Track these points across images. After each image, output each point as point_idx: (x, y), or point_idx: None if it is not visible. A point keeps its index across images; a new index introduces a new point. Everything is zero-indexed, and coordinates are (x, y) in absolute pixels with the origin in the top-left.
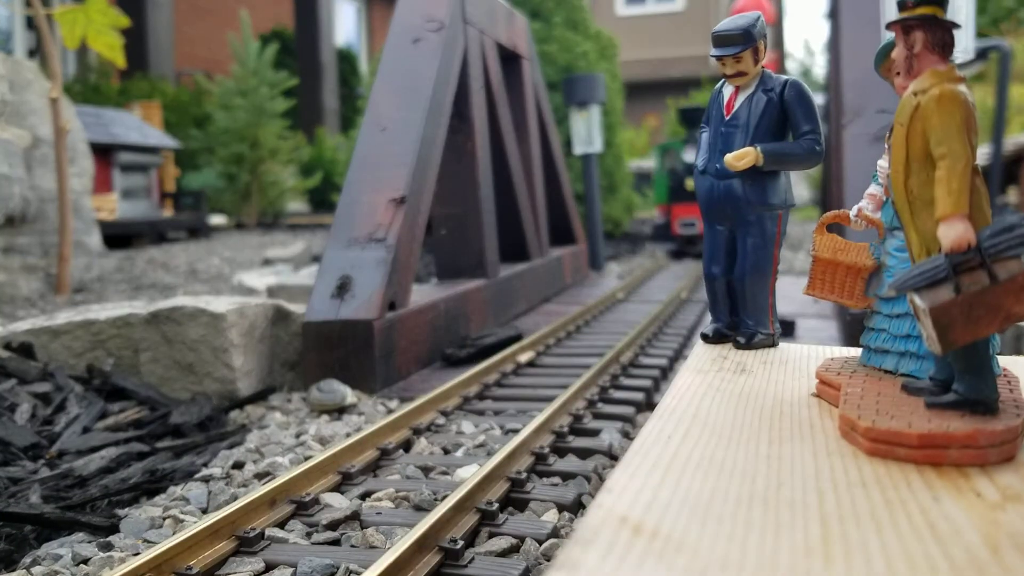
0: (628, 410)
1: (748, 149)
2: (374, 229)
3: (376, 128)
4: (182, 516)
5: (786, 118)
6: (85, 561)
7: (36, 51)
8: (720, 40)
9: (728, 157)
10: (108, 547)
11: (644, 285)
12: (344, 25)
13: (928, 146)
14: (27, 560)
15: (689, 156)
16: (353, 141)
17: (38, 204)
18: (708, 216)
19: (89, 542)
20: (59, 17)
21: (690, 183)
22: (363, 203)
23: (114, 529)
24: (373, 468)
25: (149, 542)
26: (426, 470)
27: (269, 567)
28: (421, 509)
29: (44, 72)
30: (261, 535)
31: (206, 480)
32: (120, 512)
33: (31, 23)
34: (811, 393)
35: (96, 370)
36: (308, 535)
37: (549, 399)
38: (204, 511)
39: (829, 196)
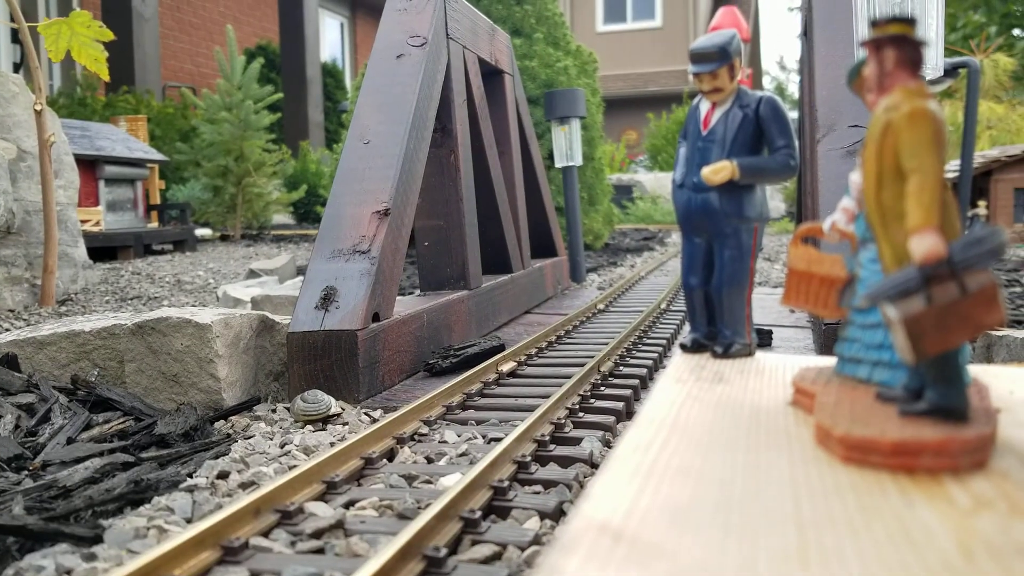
0: (608, 419)
1: (724, 163)
2: (358, 241)
3: (360, 141)
4: (167, 526)
5: (761, 133)
6: (68, 572)
7: (21, 64)
8: (697, 57)
9: (705, 171)
10: (92, 558)
11: (624, 296)
12: (329, 40)
13: (899, 160)
14: (9, 572)
15: None
16: (338, 154)
17: (23, 216)
18: (686, 228)
19: (73, 553)
20: (43, 30)
21: None
22: (347, 215)
23: (98, 540)
24: (357, 477)
25: (133, 552)
26: (409, 479)
27: None
28: (405, 517)
29: (29, 85)
30: (246, 544)
31: (191, 490)
32: (104, 523)
33: (16, 36)
34: (787, 402)
35: (81, 381)
36: (292, 544)
37: (531, 408)
38: (189, 521)
39: (803, 209)
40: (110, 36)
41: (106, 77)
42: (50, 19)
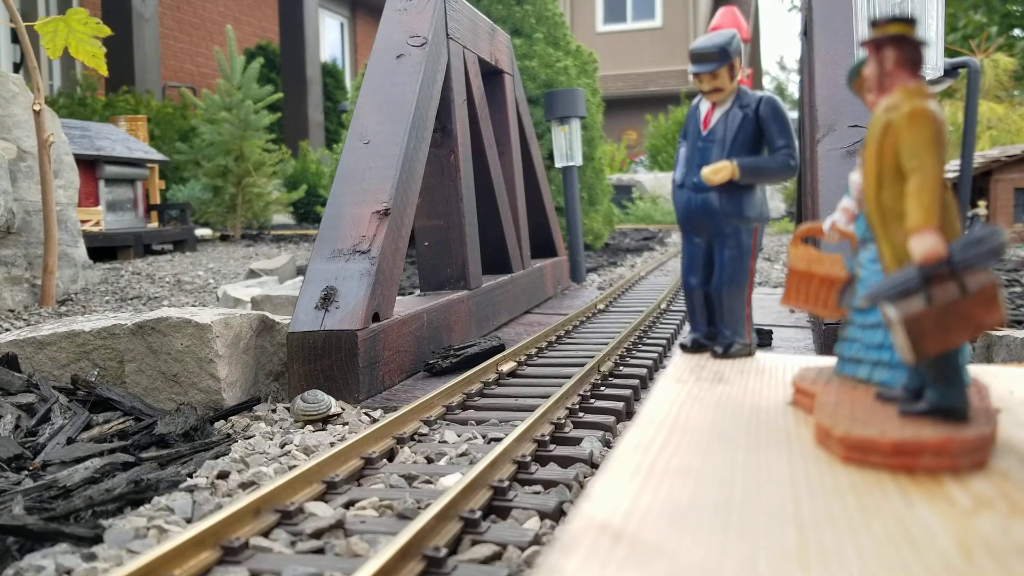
0: (608, 419)
1: (724, 163)
2: (358, 241)
3: (360, 141)
4: (167, 526)
5: (761, 133)
6: (68, 572)
7: (21, 64)
8: (697, 57)
9: (705, 171)
10: (92, 558)
11: (624, 296)
12: (329, 40)
13: (899, 160)
14: (9, 572)
15: None
16: (338, 155)
17: (23, 216)
18: (686, 228)
19: (72, 553)
20: (40, 28)
21: None
22: (347, 215)
23: (98, 540)
24: (357, 477)
25: (133, 552)
26: (409, 479)
27: None
28: (405, 517)
29: (29, 85)
30: (245, 544)
31: (191, 490)
32: (104, 523)
33: (16, 36)
34: (787, 402)
35: (81, 381)
36: (292, 544)
37: (531, 408)
38: (189, 521)
39: (803, 209)
40: (107, 32)
41: (104, 72)
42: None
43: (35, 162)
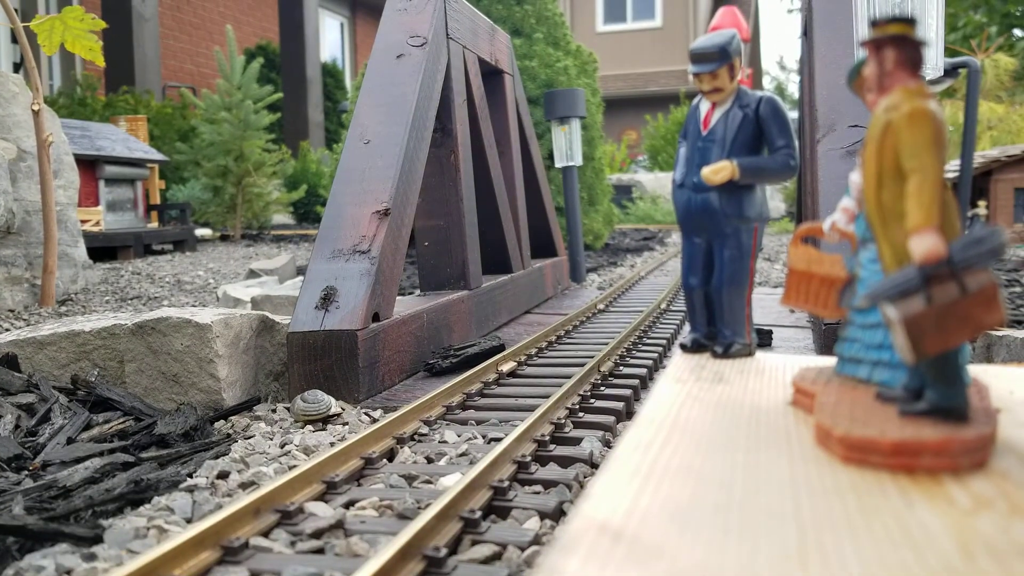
0: (608, 419)
1: (724, 163)
2: (358, 241)
3: (360, 141)
4: (167, 526)
5: (761, 133)
6: (68, 572)
7: (21, 65)
8: (697, 57)
9: (705, 171)
10: (92, 558)
11: (624, 296)
12: (329, 40)
13: (899, 160)
14: (9, 572)
15: None
16: (338, 154)
17: (23, 216)
18: (686, 228)
19: (73, 553)
20: (36, 26)
21: None
22: (347, 215)
23: (98, 540)
24: (357, 477)
25: (133, 552)
26: (409, 479)
27: None
28: (405, 517)
29: (28, 85)
30: (246, 544)
31: (191, 490)
32: (104, 523)
33: (16, 37)
34: (787, 402)
35: (81, 381)
36: (292, 544)
37: (531, 408)
38: (189, 521)
39: (803, 209)
40: (102, 25)
41: (101, 64)
42: (42, 15)
43: (35, 162)
